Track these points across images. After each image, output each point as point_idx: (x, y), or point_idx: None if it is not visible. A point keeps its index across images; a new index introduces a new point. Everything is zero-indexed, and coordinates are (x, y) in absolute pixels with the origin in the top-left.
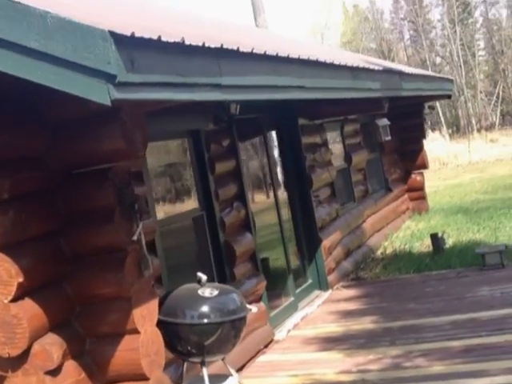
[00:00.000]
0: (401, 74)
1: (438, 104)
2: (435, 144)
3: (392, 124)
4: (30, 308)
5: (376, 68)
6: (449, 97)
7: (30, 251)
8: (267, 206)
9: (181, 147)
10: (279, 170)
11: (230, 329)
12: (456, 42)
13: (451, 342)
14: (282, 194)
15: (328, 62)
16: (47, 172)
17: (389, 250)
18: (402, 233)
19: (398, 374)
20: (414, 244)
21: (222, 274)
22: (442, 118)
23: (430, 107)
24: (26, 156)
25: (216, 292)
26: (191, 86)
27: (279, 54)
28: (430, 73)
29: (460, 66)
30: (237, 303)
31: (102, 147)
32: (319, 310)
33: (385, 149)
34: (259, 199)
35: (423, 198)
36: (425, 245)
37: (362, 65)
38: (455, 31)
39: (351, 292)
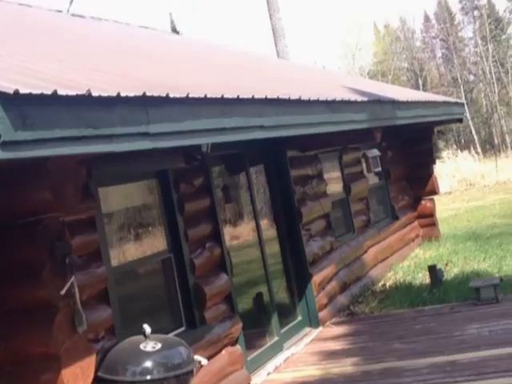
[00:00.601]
0: (394, 102)
1: (470, 122)
2: (464, 164)
3: (400, 150)
4: None
5: (361, 99)
6: (459, 121)
7: None
8: (250, 242)
9: (147, 188)
10: (266, 204)
11: None
12: (489, 59)
13: None
14: (269, 229)
15: (293, 98)
16: None
17: (390, 282)
18: (408, 262)
19: None
20: (417, 275)
21: (191, 319)
22: (476, 137)
23: (439, 132)
24: None
25: (159, 345)
26: (108, 137)
27: (225, 96)
28: (435, 97)
29: (493, 84)
30: (182, 357)
31: (30, 199)
32: (305, 350)
33: (391, 176)
34: (242, 236)
35: (434, 224)
36: (427, 275)
37: (342, 97)
38: (487, 48)
39: (341, 329)
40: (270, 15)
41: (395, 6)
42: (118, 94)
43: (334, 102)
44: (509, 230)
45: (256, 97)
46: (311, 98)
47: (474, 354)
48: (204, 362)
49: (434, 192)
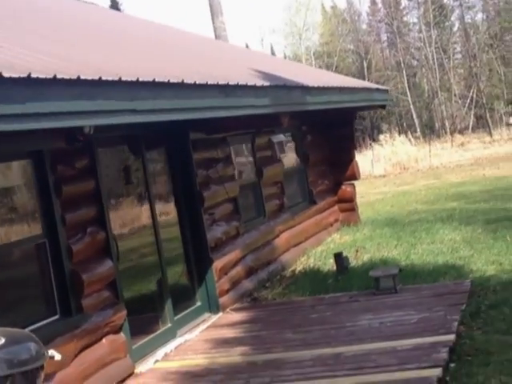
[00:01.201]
0: (304, 87)
1: (412, 106)
2: (400, 148)
3: (321, 134)
4: None
5: (261, 83)
6: (382, 107)
7: None
8: (145, 226)
9: (18, 169)
10: (167, 188)
11: (21, 381)
12: (432, 45)
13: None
14: (169, 213)
15: (173, 81)
16: None
17: (300, 268)
18: (322, 247)
19: None
20: (328, 261)
21: (67, 307)
22: (416, 121)
23: (360, 117)
24: None
25: (3, 340)
26: None
27: (83, 77)
28: (355, 83)
29: (435, 69)
30: (31, 352)
31: None
32: (198, 337)
33: (310, 160)
34: (136, 220)
35: (353, 209)
36: None
37: (238, 81)
38: (431, 35)
39: (239, 316)
40: None
41: None
42: None
43: (227, 86)
44: (427, 217)
45: (124, 79)
46: (198, 82)
47: (359, 346)
48: (58, 357)
49: (355, 177)
